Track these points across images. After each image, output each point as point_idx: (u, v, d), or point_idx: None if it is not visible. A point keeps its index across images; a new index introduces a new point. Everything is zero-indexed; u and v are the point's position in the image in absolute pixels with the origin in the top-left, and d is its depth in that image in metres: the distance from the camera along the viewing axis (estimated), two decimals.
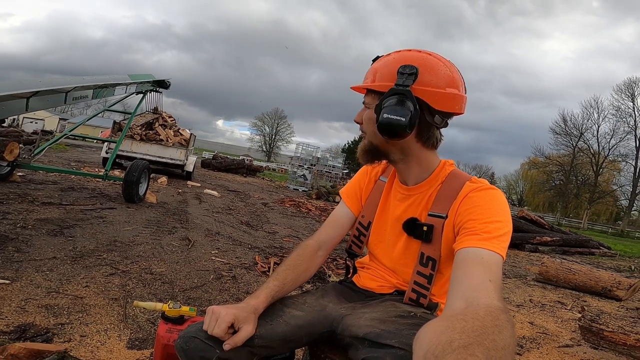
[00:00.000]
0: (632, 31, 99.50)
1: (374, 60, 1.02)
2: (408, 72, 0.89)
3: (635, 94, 35.23)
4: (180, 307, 1.18)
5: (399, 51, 0.98)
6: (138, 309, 2.15)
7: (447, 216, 0.94)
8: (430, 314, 0.96)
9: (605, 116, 36.99)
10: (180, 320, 1.15)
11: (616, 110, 36.14)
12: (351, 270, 1.20)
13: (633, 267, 7.71)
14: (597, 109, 37.42)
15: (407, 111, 0.87)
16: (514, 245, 8.00)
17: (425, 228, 0.96)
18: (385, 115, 0.88)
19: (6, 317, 1.85)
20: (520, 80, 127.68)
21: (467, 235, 0.84)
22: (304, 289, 2.98)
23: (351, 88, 1.04)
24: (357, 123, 1.05)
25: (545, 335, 2.82)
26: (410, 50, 0.97)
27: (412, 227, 0.99)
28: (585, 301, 4.09)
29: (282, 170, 39.90)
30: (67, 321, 1.91)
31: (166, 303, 1.19)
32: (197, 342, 0.86)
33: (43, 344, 1.64)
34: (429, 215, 0.97)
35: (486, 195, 0.91)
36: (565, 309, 3.70)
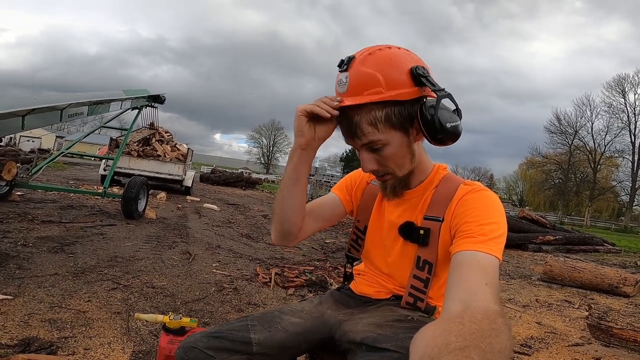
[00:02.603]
0: (615, 29, 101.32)
1: (345, 65, 0.86)
2: (424, 74, 0.83)
3: (626, 89, 35.52)
4: (180, 318, 1.17)
5: (379, 48, 0.86)
6: (140, 322, 2.14)
7: (443, 219, 0.93)
8: (428, 317, 0.95)
9: (598, 113, 37.23)
10: (181, 331, 1.15)
11: (608, 107, 36.38)
12: (349, 278, 1.19)
13: (639, 263, 7.67)
14: (589, 107, 37.68)
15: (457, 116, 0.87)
16: (517, 245, 7.96)
17: (421, 232, 0.95)
18: (449, 125, 0.83)
19: (10, 331, 1.84)
20: (513, 82, 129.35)
21: (463, 238, 0.84)
22: (304, 298, 2.95)
23: (345, 105, 0.85)
24: (372, 172, 0.94)
25: (554, 335, 2.79)
26: (387, 47, 0.87)
27: (409, 231, 0.98)
28: (592, 299, 4.05)
29: None
30: (71, 335, 1.90)
31: (167, 315, 1.18)
32: (197, 352, 0.85)
33: (46, 356, 1.63)
34: (425, 218, 0.96)
35: (481, 196, 0.91)
36: (573, 307, 3.66)
